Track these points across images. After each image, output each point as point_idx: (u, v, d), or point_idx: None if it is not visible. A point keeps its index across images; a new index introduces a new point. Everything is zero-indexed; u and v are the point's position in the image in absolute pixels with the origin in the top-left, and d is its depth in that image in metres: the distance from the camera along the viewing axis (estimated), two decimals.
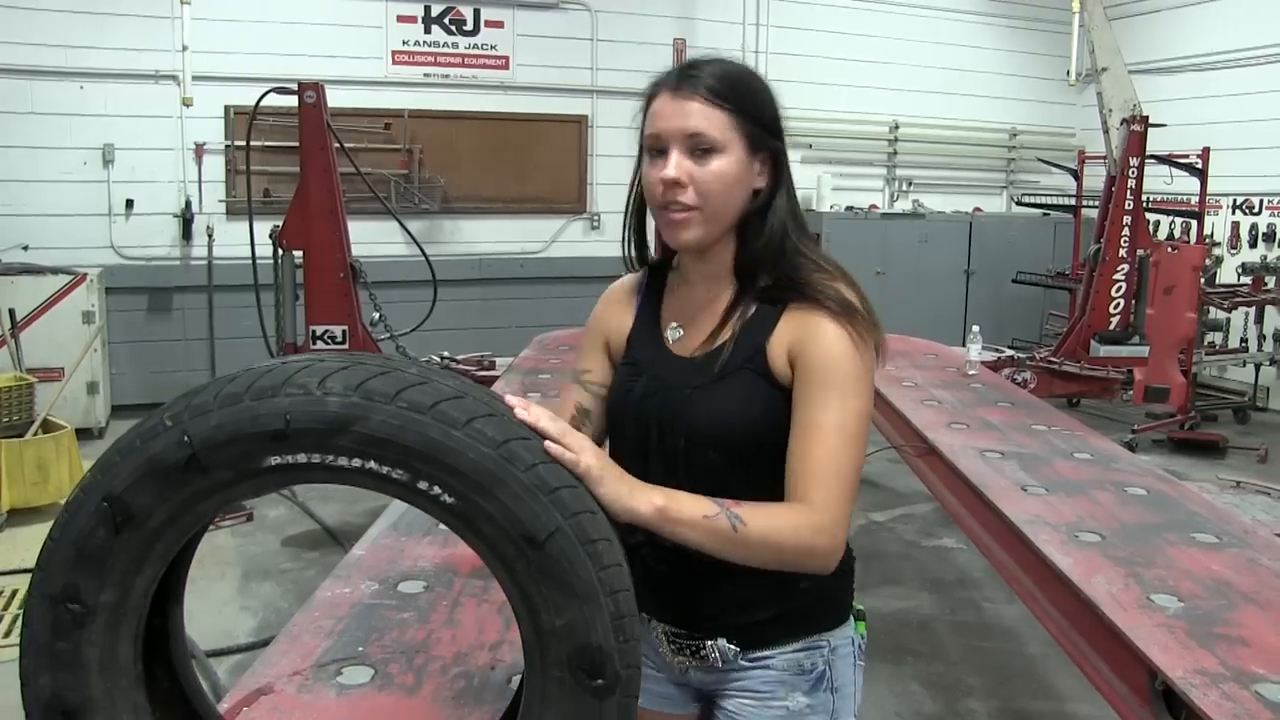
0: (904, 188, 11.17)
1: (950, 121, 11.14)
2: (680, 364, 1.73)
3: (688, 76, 1.62)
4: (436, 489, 1.22)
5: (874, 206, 10.90)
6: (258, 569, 5.55)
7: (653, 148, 1.64)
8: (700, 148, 1.60)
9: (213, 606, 5.05)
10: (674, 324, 1.78)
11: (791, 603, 1.72)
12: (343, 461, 1.20)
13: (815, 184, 10.57)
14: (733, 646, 1.74)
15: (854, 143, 10.94)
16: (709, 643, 1.75)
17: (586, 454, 1.35)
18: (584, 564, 1.25)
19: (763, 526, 1.49)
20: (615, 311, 1.88)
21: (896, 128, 11.03)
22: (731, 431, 1.64)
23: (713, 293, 1.74)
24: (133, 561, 1.22)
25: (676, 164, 1.60)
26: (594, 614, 1.26)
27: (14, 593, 4.99)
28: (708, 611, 1.74)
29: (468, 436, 1.22)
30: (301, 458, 1.20)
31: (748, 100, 1.63)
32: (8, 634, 4.60)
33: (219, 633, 4.75)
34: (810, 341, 1.60)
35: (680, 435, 1.68)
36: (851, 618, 1.83)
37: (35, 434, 6.21)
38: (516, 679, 1.62)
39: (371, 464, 1.21)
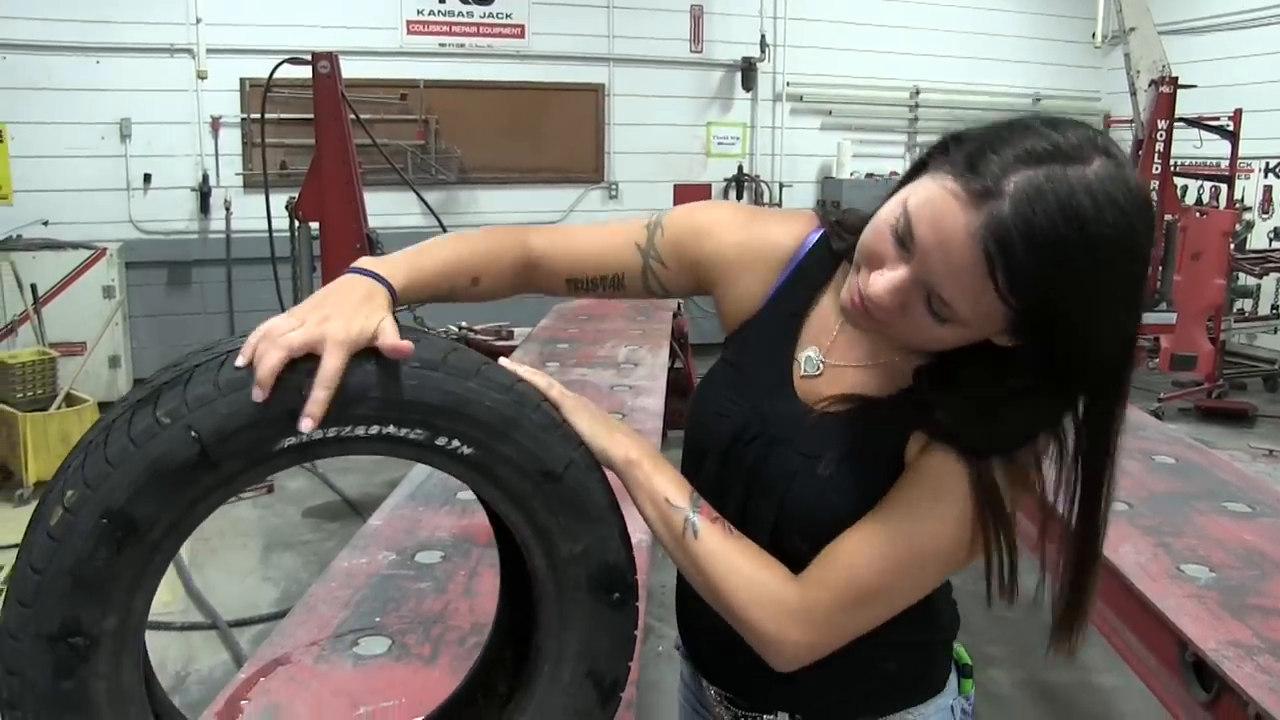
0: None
1: (972, 86, 10.98)
2: (799, 414, 1.36)
3: (983, 197, 1.08)
4: (455, 442, 1.19)
5: (894, 173, 10.76)
6: (279, 540, 5.56)
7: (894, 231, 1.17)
8: (938, 312, 1.16)
9: (235, 577, 5.07)
10: (812, 350, 1.39)
11: (872, 677, 1.42)
12: (359, 431, 1.15)
13: (835, 151, 10.48)
14: None
15: (874, 109, 10.82)
16: (767, 718, 1.49)
17: (556, 385, 1.32)
18: (597, 488, 1.27)
19: (717, 555, 1.29)
20: (759, 257, 1.44)
21: (917, 93, 10.89)
22: (836, 529, 1.29)
23: (876, 345, 1.35)
24: (134, 578, 1.11)
25: (891, 290, 1.16)
26: (609, 533, 1.28)
27: None
28: (765, 680, 1.38)
29: (480, 385, 1.20)
30: (317, 434, 1.13)
31: (1056, 290, 1.08)
32: None
33: (241, 603, 4.78)
34: (938, 447, 1.25)
35: (771, 511, 1.35)
36: (951, 680, 1.52)
37: (59, 407, 6.25)
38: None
39: (390, 428, 1.16)
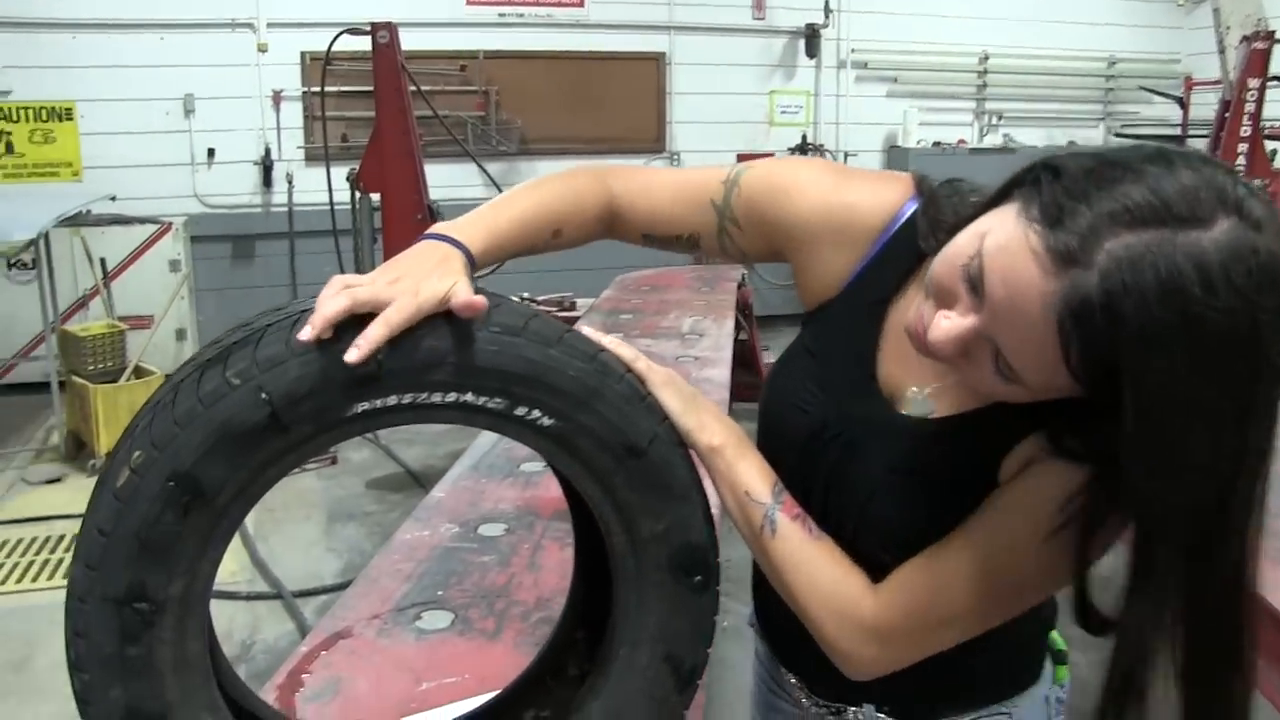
0: (994, 121, 10.78)
1: (1044, 51, 10.68)
2: (882, 416, 1.26)
3: (1066, 261, 0.93)
4: (535, 413, 1.14)
5: (962, 141, 10.57)
6: (342, 511, 5.58)
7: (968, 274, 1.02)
8: (1004, 373, 1.03)
9: (299, 548, 5.09)
10: (916, 387, 1.25)
11: (964, 672, 1.30)
12: (435, 398, 1.11)
13: (901, 119, 10.28)
14: (883, 718, 1.40)
15: (941, 75, 10.57)
16: (853, 710, 1.41)
17: (642, 358, 1.25)
18: (681, 464, 1.22)
19: (795, 557, 1.22)
20: (843, 229, 1.29)
21: (986, 59, 10.63)
22: (921, 542, 1.19)
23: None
24: (200, 544, 1.08)
25: (954, 340, 1.04)
26: (692, 513, 1.22)
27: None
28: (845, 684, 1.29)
29: (563, 353, 1.15)
30: (391, 400, 1.09)
31: (1141, 388, 0.91)
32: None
33: (305, 574, 4.81)
34: (1042, 464, 1.11)
35: (851, 518, 1.26)
36: (1046, 669, 1.43)
37: (128, 380, 6.32)
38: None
39: (468, 396, 1.11)
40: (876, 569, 1.22)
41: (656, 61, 9.74)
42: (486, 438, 3.01)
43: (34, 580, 4.70)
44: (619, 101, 9.67)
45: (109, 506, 1.06)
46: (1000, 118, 10.78)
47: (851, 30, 10.21)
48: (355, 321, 1.06)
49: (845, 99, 10.39)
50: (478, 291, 1.12)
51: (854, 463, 1.26)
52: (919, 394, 1.23)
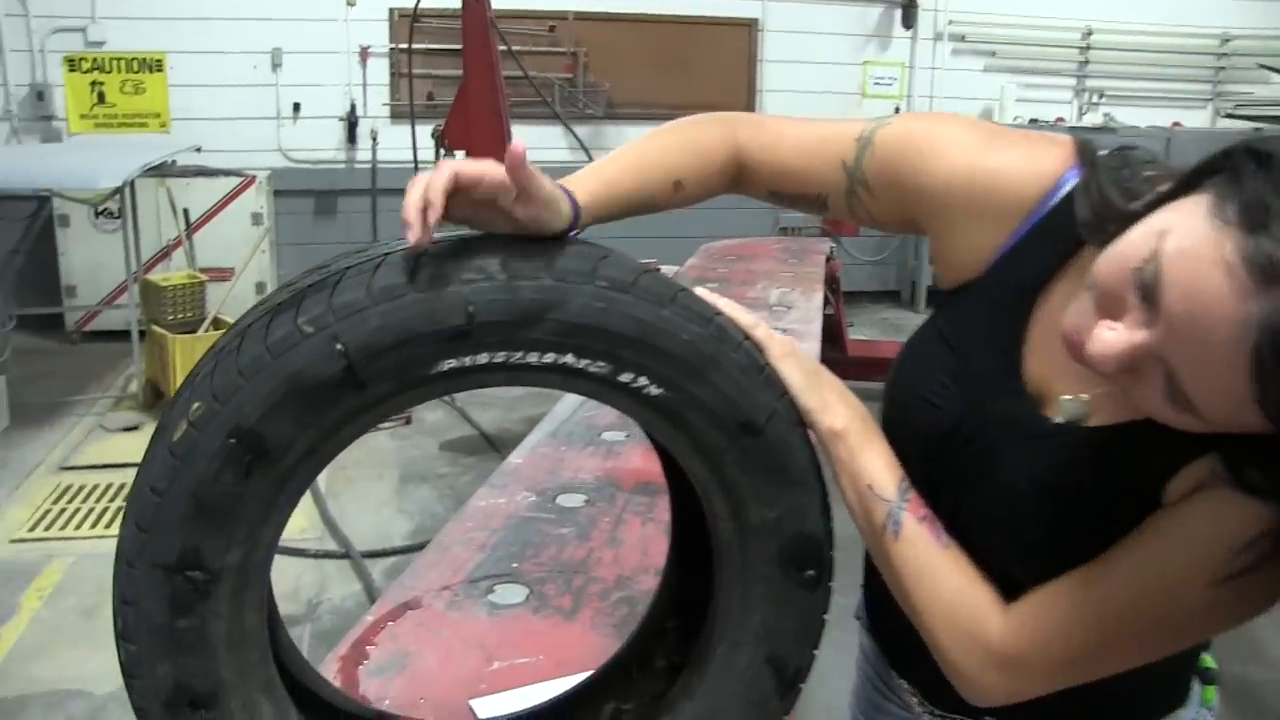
0: (1094, 99, 10.40)
1: (1151, 26, 10.27)
2: (1028, 420, 1.09)
3: (1270, 279, 0.78)
4: (642, 380, 1.02)
5: (1060, 119, 10.20)
6: (415, 472, 5.52)
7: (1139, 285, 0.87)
8: (1175, 400, 0.87)
9: (370, 508, 5.04)
10: (1069, 396, 1.07)
11: (1104, 696, 1.13)
12: (532, 358, 0.99)
13: (998, 94, 9.97)
14: None
15: (1041, 50, 10.22)
16: None
17: (762, 324, 1.12)
18: (800, 446, 1.09)
19: (918, 564, 1.09)
20: (989, 201, 1.11)
21: (1089, 34, 10.26)
22: (1063, 565, 1.04)
23: None
24: (261, 509, 0.97)
25: (1119, 357, 0.88)
26: (809, 500, 1.09)
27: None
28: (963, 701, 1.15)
29: (676, 315, 1.02)
30: (483, 358, 0.97)
31: None
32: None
33: (375, 534, 4.75)
34: (1217, 494, 0.95)
35: (987, 533, 1.11)
36: (1194, 690, 1.27)
37: (206, 331, 6.32)
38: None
39: (569, 358, 0.99)
40: (1008, 585, 1.09)
41: (749, 28, 9.54)
42: (567, 402, 2.88)
43: (107, 527, 4.69)
44: (708, 67, 9.48)
45: (164, 462, 0.95)
46: (1101, 96, 10.39)
47: (950, 1, 9.91)
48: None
49: (940, 72, 10.10)
50: (584, 243, 1.01)
51: (992, 470, 1.10)
52: (1074, 401, 1.06)
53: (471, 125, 5.77)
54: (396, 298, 0.94)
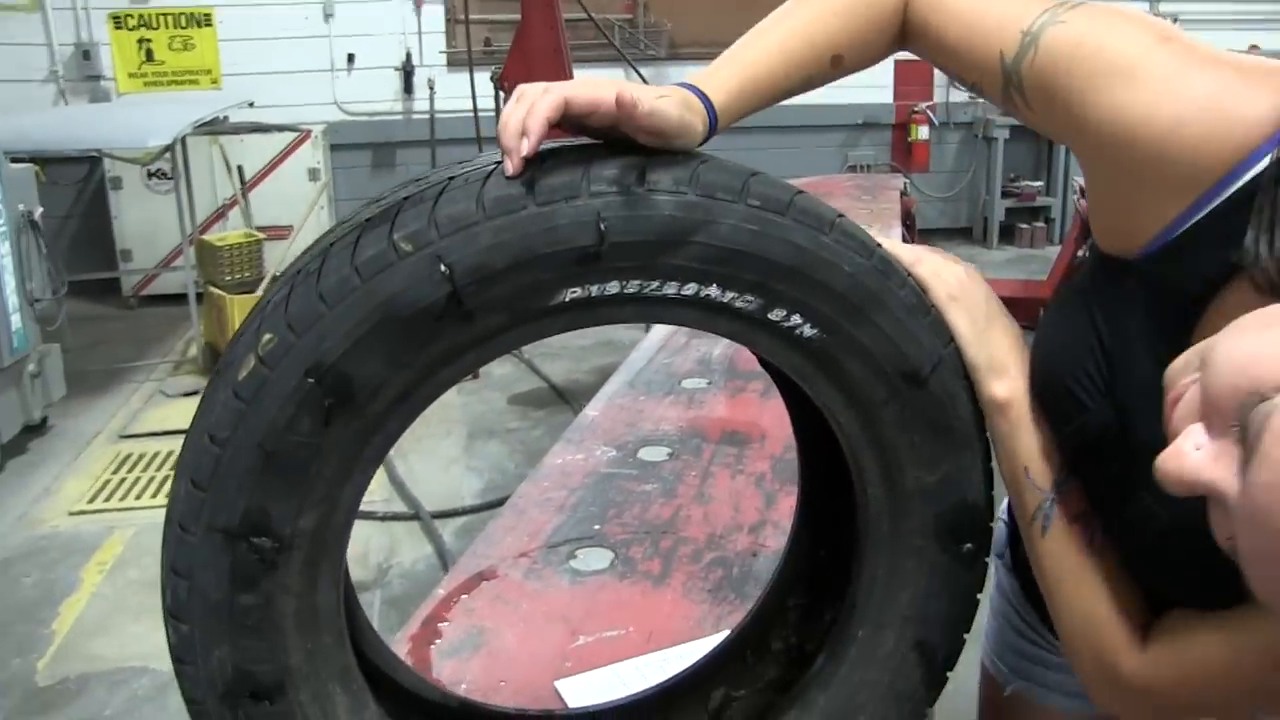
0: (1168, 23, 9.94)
1: None
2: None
3: None
4: (796, 318, 0.88)
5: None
6: (483, 428, 5.39)
7: None
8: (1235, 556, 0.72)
9: (439, 466, 4.92)
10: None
11: None
12: (670, 290, 0.84)
13: None
14: None
15: None
16: None
17: (926, 259, 0.96)
18: (966, 401, 0.96)
19: (1061, 568, 0.97)
20: (1160, 163, 0.84)
21: None
22: (1207, 602, 0.90)
23: None
24: (344, 465, 0.83)
25: (1187, 486, 0.70)
26: (971, 463, 0.97)
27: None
28: None
29: (838, 243, 0.87)
30: (613, 287, 0.83)
31: None
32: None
33: (446, 493, 4.63)
34: None
35: (1125, 542, 0.97)
36: None
37: (265, 290, 6.21)
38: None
39: (712, 290, 0.85)
40: (1151, 599, 0.97)
41: None
42: (643, 350, 2.71)
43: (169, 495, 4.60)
44: (772, 5, 9.14)
45: (226, 406, 0.80)
46: (1176, 19, 9.91)
47: None
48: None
49: None
50: (710, 156, 0.87)
51: (1134, 498, 0.91)
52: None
53: (532, 67, 5.58)
54: (513, 211, 0.79)
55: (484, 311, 0.80)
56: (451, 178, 0.84)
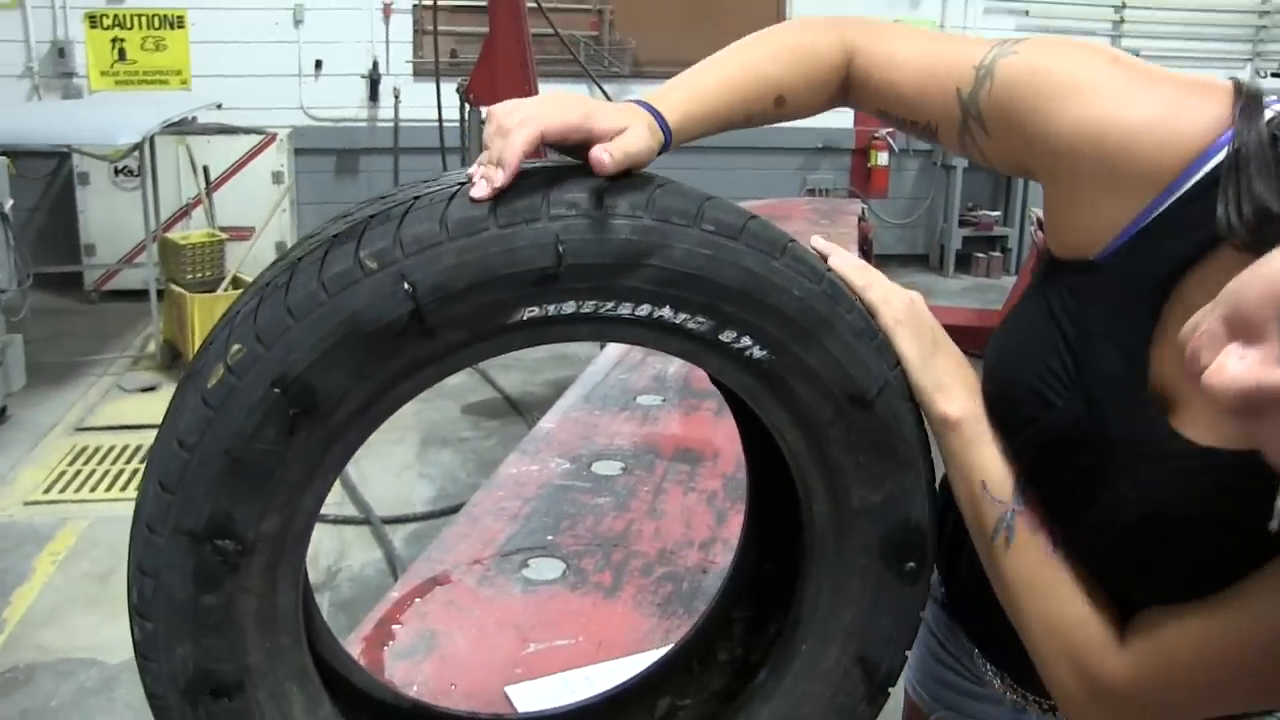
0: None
1: None
2: (1152, 427, 0.92)
3: None
4: (746, 340, 0.91)
5: None
6: (436, 436, 5.40)
7: None
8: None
9: (391, 471, 4.92)
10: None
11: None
12: (624, 310, 0.87)
13: None
14: None
15: (1075, 9, 9.96)
16: None
17: (876, 283, 0.99)
18: (910, 423, 0.99)
19: (1028, 580, 0.98)
20: (1118, 166, 0.91)
21: None
22: (1182, 593, 0.92)
23: None
24: (306, 472, 0.86)
25: (1240, 393, 0.71)
26: (915, 483, 1.00)
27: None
28: None
29: (788, 267, 0.90)
30: (569, 307, 0.86)
31: None
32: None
33: (396, 499, 4.64)
34: None
35: (1095, 551, 0.98)
36: None
37: (225, 290, 6.22)
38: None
39: (665, 311, 0.88)
40: (1118, 601, 0.97)
41: None
42: (599, 364, 2.75)
43: (123, 490, 4.60)
44: (737, 24, 9.05)
45: (195, 413, 0.83)
46: (1138, 55, 10.06)
47: None
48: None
49: (972, 31, 9.84)
50: (678, 184, 0.91)
51: (1106, 487, 0.94)
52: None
53: (498, 80, 5.63)
54: (475, 233, 0.83)
55: (445, 328, 0.84)
56: (417, 197, 0.87)
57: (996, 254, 9.63)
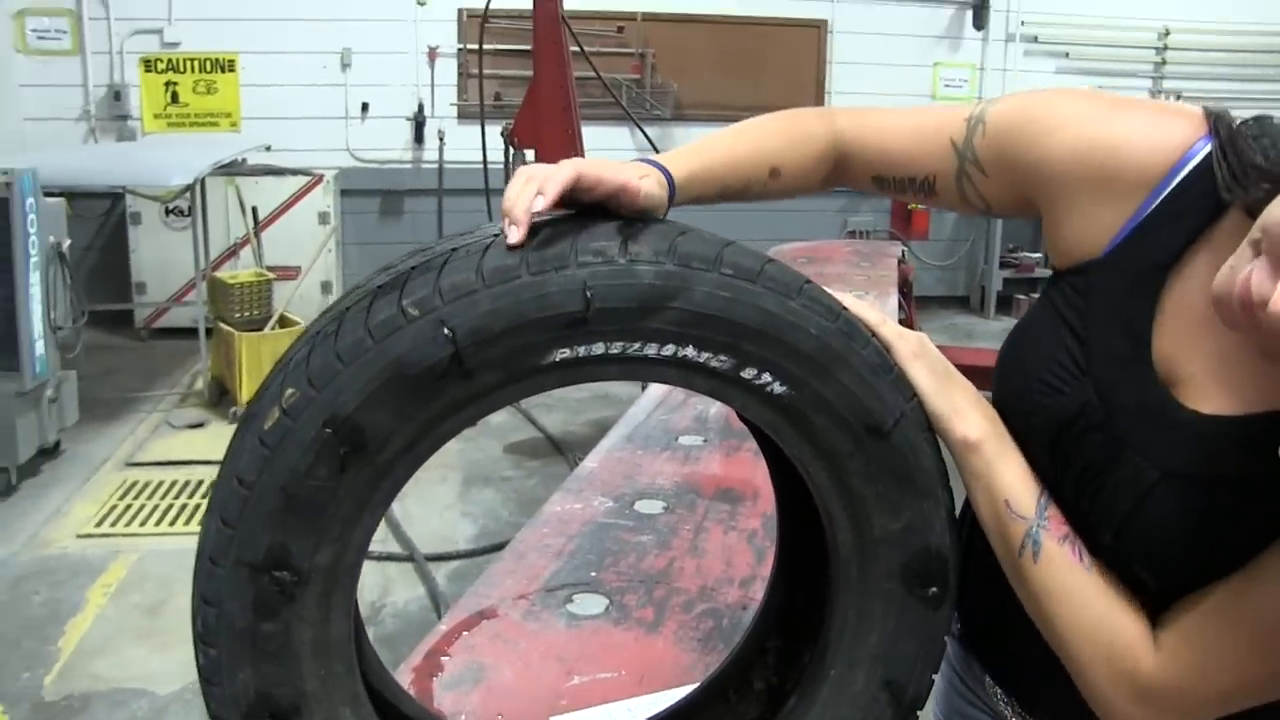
0: (1172, 101, 10.13)
1: (1229, 26, 9.98)
2: (1158, 407, 0.99)
3: None
4: (766, 376, 0.95)
5: None
6: (479, 475, 5.47)
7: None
8: None
9: (434, 510, 5.00)
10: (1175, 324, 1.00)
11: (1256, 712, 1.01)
12: (650, 350, 0.93)
13: None
14: None
15: (1116, 51, 9.98)
16: None
17: (889, 322, 1.05)
18: (927, 453, 1.02)
19: (1060, 589, 1.01)
20: (1109, 175, 1.02)
21: (1166, 34, 10.00)
22: (1198, 572, 0.97)
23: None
24: (356, 506, 0.91)
25: None
26: (934, 511, 1.03)
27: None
28: (1073, 711, 1.07)
29: (804, 307, 0.95)
30: (598, 348, 0.91)
31: None
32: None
33: (439, 537, 4.71)
34: None
35: (1109, 531, 1.02)
36: None
37: (272, 329, 6.34)
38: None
39: (689, 351, 0.93)
40: (1134, 588, 1.01)
41: (818, 29, 9.43)
42: (642, 405, 2.81)
43: (171, 524, 4.72)
44: (777, 68, 9.37)
45: (253, 452, 0.89)
46: (1179, 97, 10.11)
47: (1022, 2, 9.72)
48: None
49: (1012, 74, 9.91)
50: (696, 230, 0.96)
51: (1119, 462, 1.00)
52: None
53: (541, 123, 5.72)
54: (509, 280, 0.88)
55: (482, 370, 0.89)
56: (454, 249, 0.93)
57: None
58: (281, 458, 0.88)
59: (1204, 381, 0.97)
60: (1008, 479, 1.04)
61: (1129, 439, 1.00)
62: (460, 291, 0.88)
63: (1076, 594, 1.00)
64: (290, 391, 0.89)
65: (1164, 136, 1.00)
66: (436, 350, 0.87)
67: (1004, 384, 1.12)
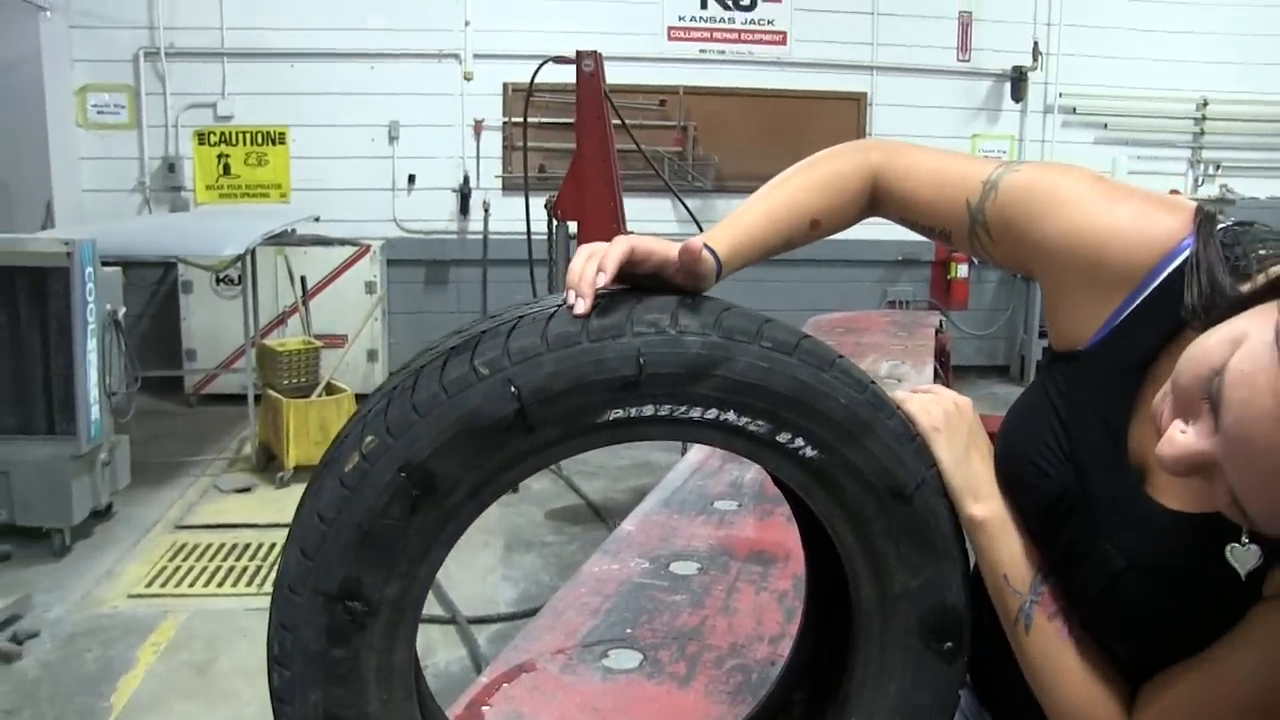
0: (1210, 171, 10.17)
1: (1267, 97, 10.02)
2: (1130, 491, 1.07)
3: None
4: (799, 441, 1.05)
5: (1175, 192, 9.97)
6: (520, 540, 5.54)
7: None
8: (1238, 509, 0.88)
9: (476, 574, 5.06)
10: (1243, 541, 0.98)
11: None
12: (695, 413, 1.02)
13: (1110, 167, 9.79)
14: None
15: (1154, 121, 10.03)
16: None
17: (915, 398, 1.14)
18: (945, 516, 1.11)
19: (1047, 660, 1.10)
20: (1098, 268, 1.07)
21: (1204, 104, 10.04)
22: (1166, 651, 1.05)
23: None
24: (424, 545, 1.01)
25: (1182, 463, 0.89)
26: (950, 571, 1.11)
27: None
28: None
29: (836, 379, 1.05)
30: (648, 410, 1.01)
31: None
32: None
33: (481, 600, 4.77)
34: None
35: (1085, 603, 1.10)
36: None
37: (319, 396, 6.46)
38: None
39: (729, 415, 1.03)
40: (1114, 659, 1.11)
41: (858, 102, 9.55)
42: (679, 471, 2.88)
43: (219, 586, 4.82)
44: (818, 141, 9.13)
45: (333, 492, 0.99)
46: (1218, 167, 10.16)
47: (1060, 74, 9.81)
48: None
49: (1050, 144, 9.97)
50: (739, 308, 1.06)
51: (1094, 547, 1.09)
52: (1245, 550, 0.96)
53: (584, 194, 5.84)
54: (570, 345, 0.98)
55: (543, 425, 0.99)
56: (521, 316, 1.03)
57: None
58: (359, 498, 0.98)
59: (1167, 478, 1.03)
60: (1006, 555, 1.12)
61: (1101, 527, 1.08)
62: (527, 354, 0.98)
63: (1061, 668, 1.08)
64: (370, 438, 0.99)
65: (1152, 232, 1.05)
66: (503, 406, 0.97)
67: (1002, 460, 1.20)
